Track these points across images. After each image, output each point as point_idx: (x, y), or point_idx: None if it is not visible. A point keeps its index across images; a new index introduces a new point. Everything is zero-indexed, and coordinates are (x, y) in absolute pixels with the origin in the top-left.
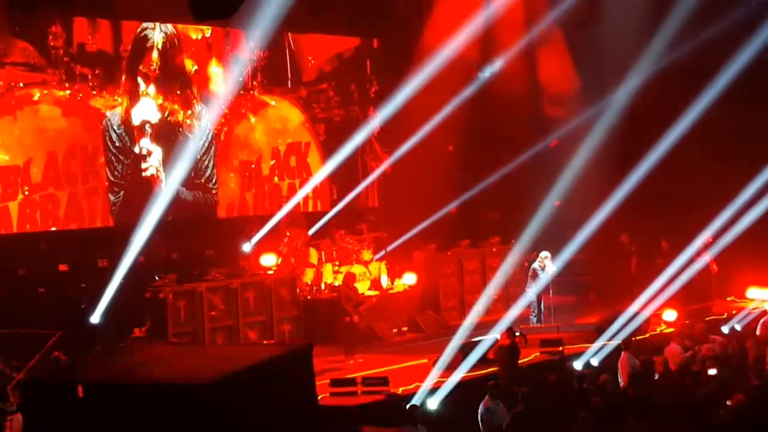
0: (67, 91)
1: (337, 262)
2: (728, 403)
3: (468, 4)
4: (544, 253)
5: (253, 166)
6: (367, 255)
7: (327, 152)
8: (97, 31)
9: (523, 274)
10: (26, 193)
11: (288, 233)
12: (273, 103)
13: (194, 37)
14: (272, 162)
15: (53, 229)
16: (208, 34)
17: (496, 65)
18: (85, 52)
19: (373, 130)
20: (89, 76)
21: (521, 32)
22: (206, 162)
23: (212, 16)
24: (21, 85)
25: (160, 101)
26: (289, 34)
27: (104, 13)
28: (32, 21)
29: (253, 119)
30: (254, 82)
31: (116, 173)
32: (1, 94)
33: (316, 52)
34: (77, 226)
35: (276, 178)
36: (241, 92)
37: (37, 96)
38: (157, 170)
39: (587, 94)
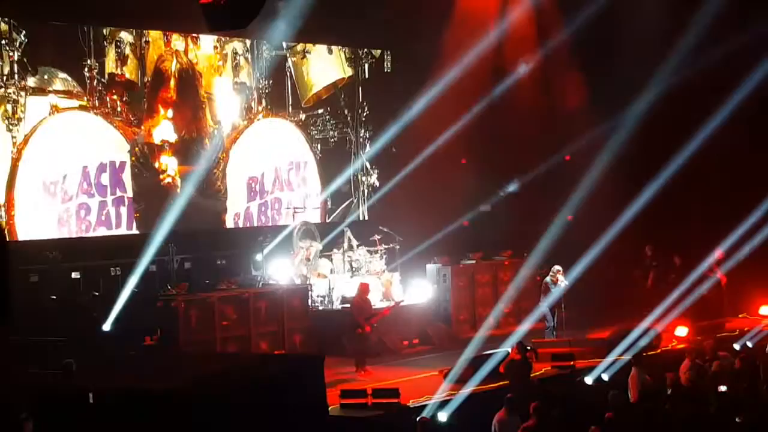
0: (99, 115)
1: (349, 274)
2: (738, 420)
3: (482, 18)
4: (556, 267)
5: (258, 179)
6: (379, 266)
7: (323, 168)
8: (124, 63)
9: (535, 288)
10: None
11: (300, 244)
12: (276, 125)
13: (205, 64)
14: (274, 176)
15: (94, 234)
16: (219, 62)
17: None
18: (114, 81)
19: (363, 149)
20: (118, 102)
21: (534, 48)
22: (217, 174)
23: (227, 27)
24: (61, 108)
25: (177, 123)
26: (290, 65)
27: (126, 24)
28: (71, 55)
29: (258, 138)
30: (259, 107)
31: (140, 185)
32: (46, 117)
33: (314, 81)
34: (106, 229)
35: (278, 191)
36: (248, 115)
37: (74, 118)
38: (173, 178)
39: (601, 109)
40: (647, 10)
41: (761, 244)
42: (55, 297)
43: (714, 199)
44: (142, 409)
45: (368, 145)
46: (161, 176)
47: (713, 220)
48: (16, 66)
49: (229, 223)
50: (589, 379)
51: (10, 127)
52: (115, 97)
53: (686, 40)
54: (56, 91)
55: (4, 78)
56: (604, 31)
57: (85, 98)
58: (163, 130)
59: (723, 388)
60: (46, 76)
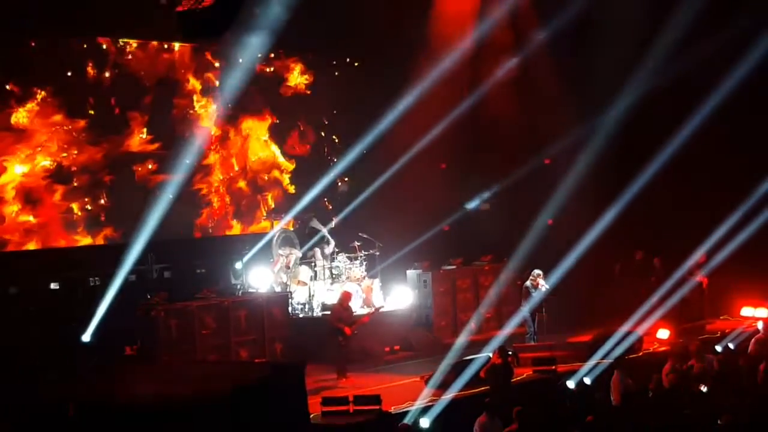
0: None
1: (329, 281)
2: (719, 422)
3: (460, 21)
4: (537, 272)
5: (235, 182)
6: (359, 273)
7: (295, 170)
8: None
9: (516, 292)
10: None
11: (280, 251)
12: (250, 129)
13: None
14: (249, 177)
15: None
16: (195, 72)
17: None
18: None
19: (336, 153)
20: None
21: (512, 50)
22: (192, 173)
23: (201, 35)
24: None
25: (156, 131)
26: (261, 71)
27: (100, 32)
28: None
29: (234, 143)
30: (232, 112)
31: (120, 191)
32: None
33: (283, 86)
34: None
35: (252, 192)
36: (224, 121)
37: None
38: (154, 182)
39: (580, 111)
40: (625, 11)
41: (742, 246)
42: (33, 308)
43: (694, 201)
44: (122, 420)
45: (340, 148)
46: (143, 181)
47: (694, 222)
48: None
49: (207, 221)
50: (571, 383)
51: None
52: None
53: (664, 42)
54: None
55: None
56: (582, 33)
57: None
58: (144, 136)
59: (704, 389)
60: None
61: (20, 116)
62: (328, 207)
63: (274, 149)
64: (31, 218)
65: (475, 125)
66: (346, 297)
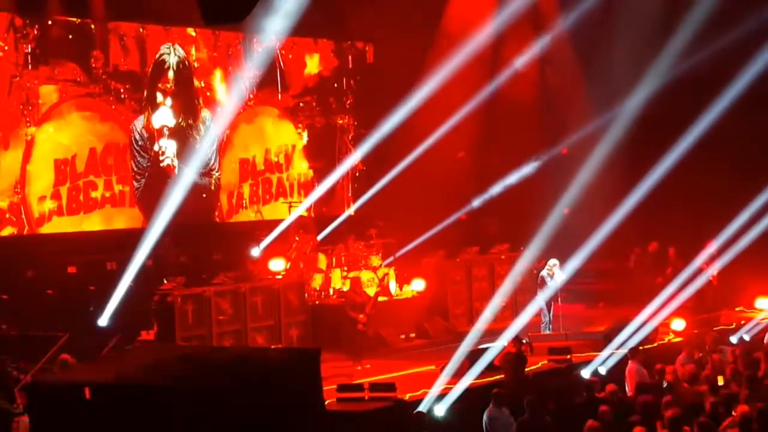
0: (104, 101)
1: (345, 268)
2: (734, 413)
3: (479, 10)
4: (553, 261)
5: (249, 161)
6: (375, 261)
7: (310, 153)
8: (127, 55)
9: (532, 281)
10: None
11: (297, 238)
12: (266, 111)
13: (198, 55)
14: (264, 159)
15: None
16: (214, 54)
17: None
18: (118, 72)
19: (350, 137)
20: (121, 90)
21: (532, 40)
22: (210, 155)
23: (223, 20)
24: (71, 96)
25: (176, 110)
26: (280, 56)
27: (120, 17)
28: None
29: (249, 124)
30: (251, 95)
31: (139, 166)
32: (57, 104)
33: (302, 71)
34: (111, 207)
35: (267, 173)
36: (240, 102)
37: (81, 105)
38: (172, 160)
39: (597, 102)
40: (645, 1)
41: (757, 237)
42: (51, 292)
43: (711, 192)
44: (139, 404)
45: (359, 135)
46: (160, 158)
47: (710, 212)
48: (29, 57)
49: (225, 205)
50: (585, 373)
51: (24, 112)
52: (118, 85)
53: (684, 32)
54: (65, 80)
55: (20, 68)
56: (601, 23)
57: (92, 87)
58: (162, 116)
59: (720, 382)
60: (57, 68)
61: (45, 96)
62: (344, 194)
63: (294, 134)
64: (49, 202)
65: (493, 114)
66: (357, 282)
